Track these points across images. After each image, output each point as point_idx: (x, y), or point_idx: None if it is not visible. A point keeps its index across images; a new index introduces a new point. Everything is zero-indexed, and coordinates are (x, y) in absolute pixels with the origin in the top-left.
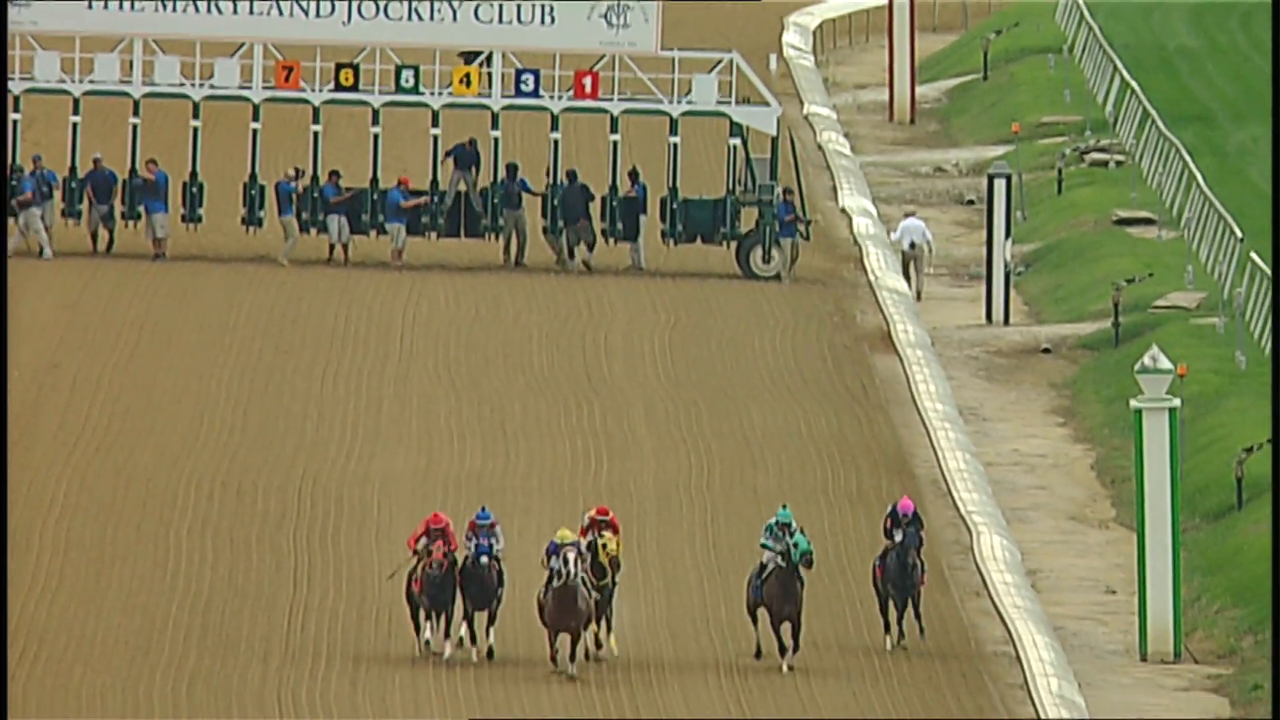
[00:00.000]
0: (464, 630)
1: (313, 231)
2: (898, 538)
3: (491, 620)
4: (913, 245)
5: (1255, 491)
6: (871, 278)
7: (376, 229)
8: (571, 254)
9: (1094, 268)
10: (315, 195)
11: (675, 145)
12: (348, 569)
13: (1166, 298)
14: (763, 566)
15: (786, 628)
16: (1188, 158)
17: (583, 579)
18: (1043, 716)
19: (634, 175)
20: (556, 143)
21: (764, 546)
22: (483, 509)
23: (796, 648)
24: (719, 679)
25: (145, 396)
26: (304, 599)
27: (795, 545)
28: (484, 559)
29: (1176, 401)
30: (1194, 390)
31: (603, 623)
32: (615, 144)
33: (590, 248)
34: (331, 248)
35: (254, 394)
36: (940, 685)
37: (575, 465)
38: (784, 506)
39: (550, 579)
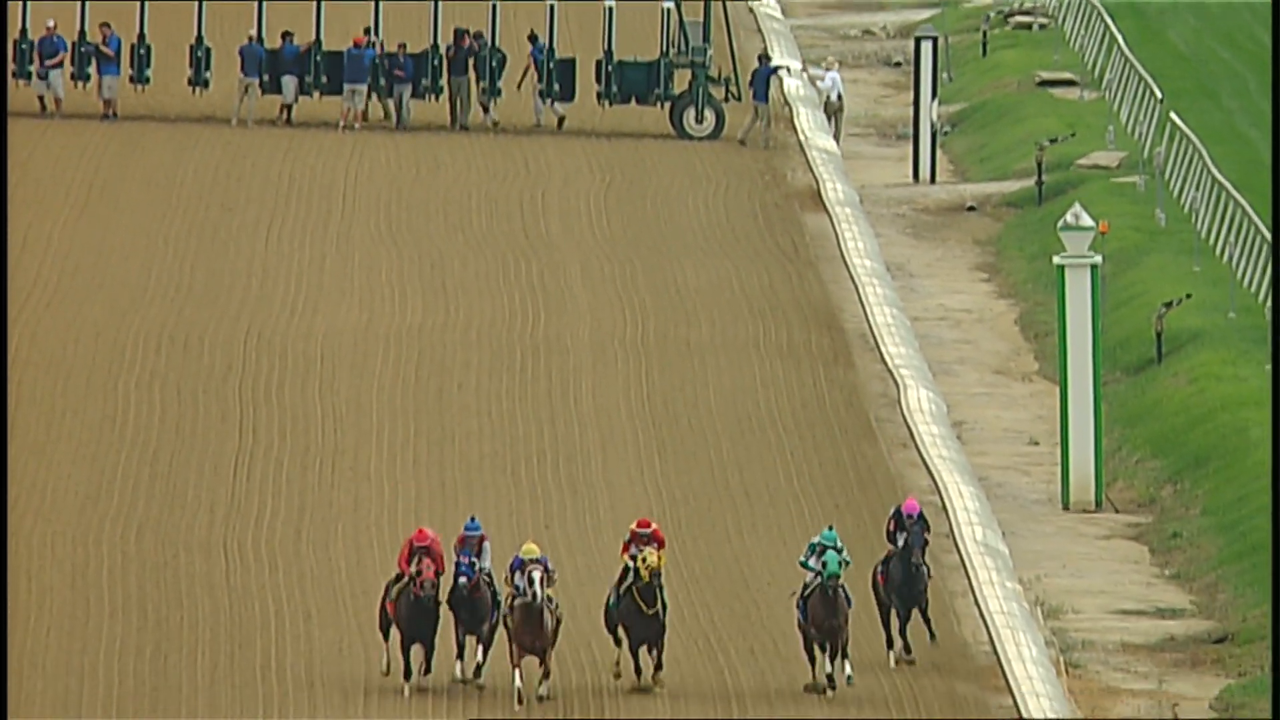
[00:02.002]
0: (458, 669)
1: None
2: (900, 542)
3: (486, 646)
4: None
5: (1174, 345)
6: (801, 138)
7: (331, 91)
8: (538, 111)
9: (1018, 128)
10: (273, 54)
11: (611, 9)
12: (292, 421)
13: (1088, 157)
14: (805, 586)
15: (830, 645)
16: (1109, 20)
17: (548, 598)
18: (966, 564)
19: (533, 39)
20: (495, 8)
21: (803, 565)
22: (471, 519)
23: (845, 658)
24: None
25: (94, 253)
26: (249, 450)
27: (825, 565)
28: (463, 580)
29: (1098, 258)
30: (1115, 247)
31: (654, 653)
32: (552, 8)
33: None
34: (283, 108)
35: (200, 251)
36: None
37: (513, 320)
38: (830, 528)
39: (514, 598)
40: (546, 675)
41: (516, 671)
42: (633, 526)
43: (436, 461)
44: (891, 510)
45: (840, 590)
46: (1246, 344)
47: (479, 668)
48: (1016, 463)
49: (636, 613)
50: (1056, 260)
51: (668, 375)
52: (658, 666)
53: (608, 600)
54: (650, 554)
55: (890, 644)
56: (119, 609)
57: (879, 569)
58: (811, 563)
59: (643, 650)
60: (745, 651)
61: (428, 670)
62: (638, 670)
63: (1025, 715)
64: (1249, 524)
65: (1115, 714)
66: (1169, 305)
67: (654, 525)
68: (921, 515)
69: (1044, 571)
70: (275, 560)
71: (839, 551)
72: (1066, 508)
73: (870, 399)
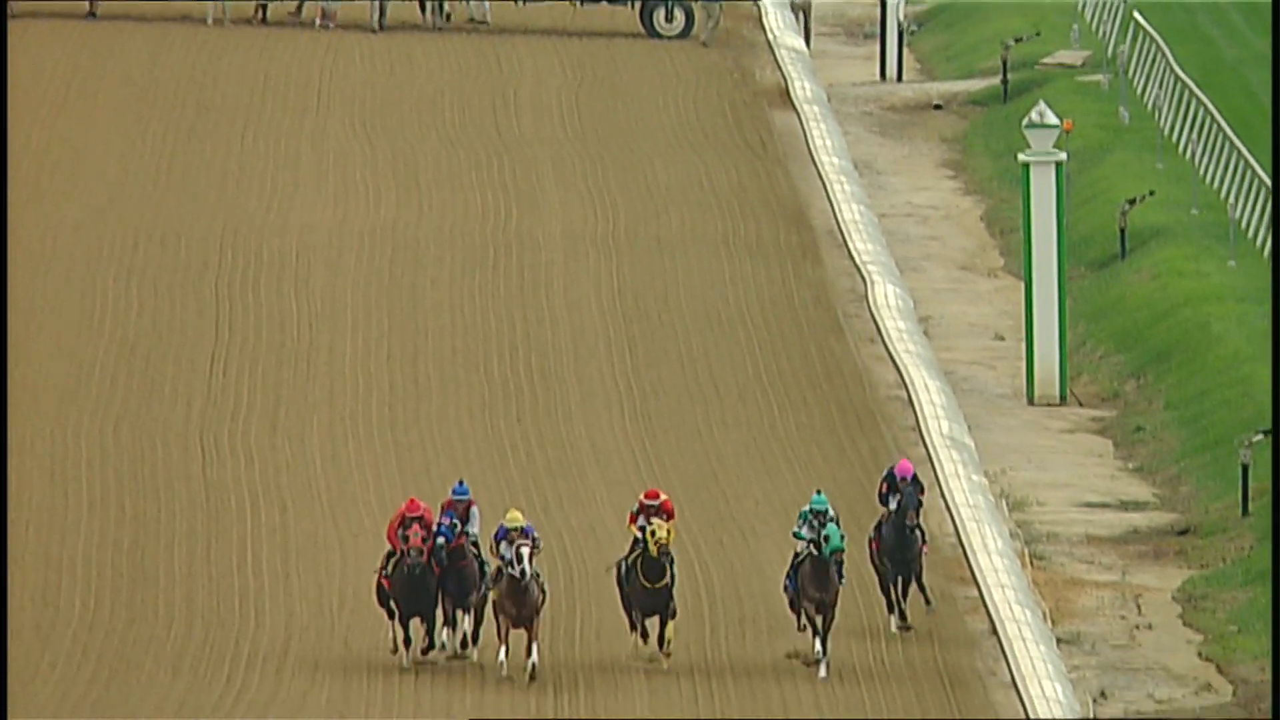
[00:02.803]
0: (446, 635)
1: None
2: (893, 505)
3: (477, 619)
4: None
5: (1138, 242)
6: (770, 36)
7: None
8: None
9: (983, 27)
10: None
11: None
12: (267, 316)
13: (1053, 56)
14: (796, 555)
15: (819, 619)
16: None
17: (536, 574)
18: (933, 457)
19: None
20: None
21: (796, 536)
22: (460, 483)
23: (826, 646)
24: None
25: (72, 151)
26: (225, 345)
27: (827, 539)
28: (441, 541)
29: (1062, 155)
30: (1079, 144)
31: (668, 625)
32: None
33: None
34: (258, 8)
35: (177, 149)
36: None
37: (485, 217)
38: (818, 492)
39: (500, 570)
40: (532, 649)
41: (503, 648)
42: (640, 497)
43: (410, 356)
44: (884, 472)
45: (838, 567)
46: (1209, 240)
47: (466, 640)
48: (982, 357)
49: (642, 587)
50: (1022, 158)
51: (638, 271)
52: (660, 641)
53: (618, 573)
54: (660, 527)
55: (891, 609)
56: (97, 502)
57: (871, 535)
58: (804, 532)
59: (653, 620)
60: (715, 543)
61: (430, 645)
62: (644, 636)
63: (990, 607)
64: (1211, 418)
65: (1079, 605)
66: (1132, 202)
67: (663, 496)
68: (915, 477)
69: (1009, 465)
70: (251, 453)
71: (836, 522)
72: (1031, 402)
73: (838, 294)
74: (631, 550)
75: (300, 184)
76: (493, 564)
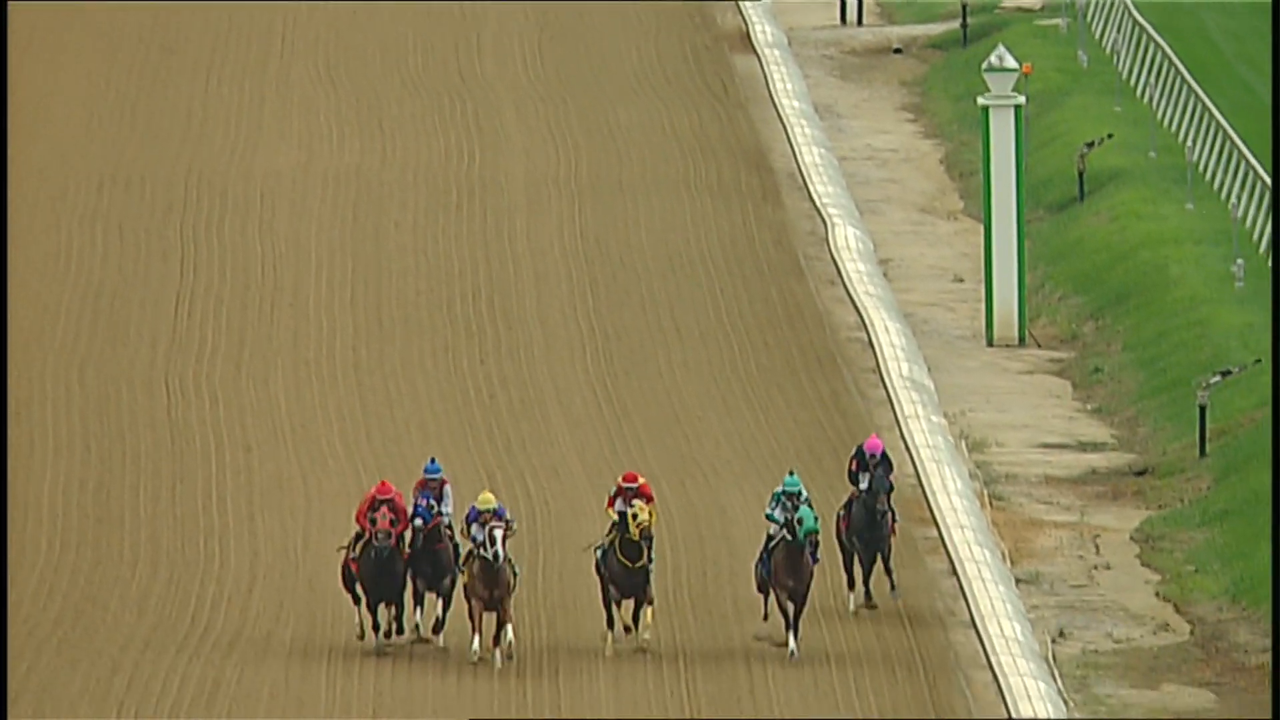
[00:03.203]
0: (419, 616)
1: None
2: (863, 484)
3: (446, 602)
4: None
5: (1096, 185)
6: None
7: None
8: None
9: None
10: None
11: None
12: (232, 259)
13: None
14: (769, 539)
15: (791, 607)
16: None
17: (509, 557)
18: (893, 398)
19: None
20: None
21: (769, 518)
22: (431, 461)
23: (797, 631)
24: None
25: (36, 94)
26: (190, 288)
27: (800, 521)
28: (419, 522)
29: (1021, 99)
30: (1038, 88)
31: (645, 610)
32: None
33: None
34: None
35: (141, 92)
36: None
37: (449, 160)
38: (791, 473)
39: (471, 553)
40: (506, 630)
41: (476, 637)
42: (619, 481)
43: (374, 298)
44: (854, 450)
45: (812, 548)
46: (1166, 183)
47: (439, 624)
48: (941, 299)
49: (621, 567)
50: (981, 101)
51: (600, 214)
52: (635, 624)
53: (597, 558)
54: (642, 511)
55: (851, 585)
56: (63, 444)
57: (840, 513)
58: (777, 514)
59: (628, 604)
60: (677, 484)
61: (399, 630)
62: (610, 624)
63: (949, 547)
64: (1169, 359)
65: (1038, 545)
66: (1091, 145)
67: (641, 480)
68: (885, 455)
69: (968, 406)
70: (216, 395)
71: (809, 503)
72: (990, 343)
73: (799, 237)
74: (609, 533)
75: (264, 128)
76: (465, 546)
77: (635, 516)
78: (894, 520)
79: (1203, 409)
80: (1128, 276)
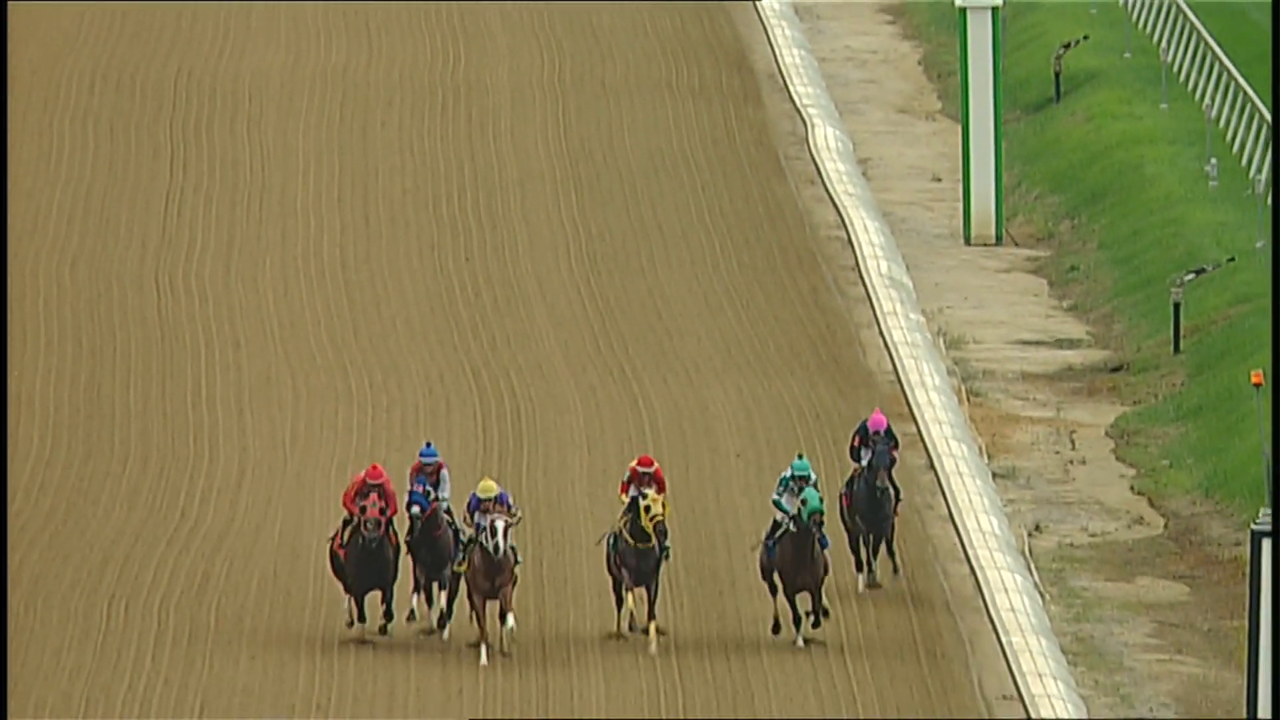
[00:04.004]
0: (415, 602)
1: None
2: (865, 460)
3: (451, 594)
4: None
5: (1072, 85)
6: None
7: None
8: None
9: None
10: None
11: None
12: (220, 159)
13: None
14: (776, 525)
15: (804, 598)
16: None
17: (512, 548)
18: (872, 296)
19: None
20: None
21: (776, 504)
22: (427, 445)
23: (816, 620)
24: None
25: None
26: (179, 186)
27: (804, 502)
28: (415, 510)
29: (998, 1)
30: None
31: (654, 596)
32: None
33: None
34: None
35: None
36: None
37: (434, 61)
38: (800, 456)
39: (472, 539)
40: (508, 617)
41: (479, 625)
42: (633, 464)
43: (360, 197)
44: (857, 425)
45: (819, 534)
46: (1142, 84)
47: (443, 616)
48: (920, 198)
49: (632, 549)
50: (959, 3)
51: (584, 114)
52: (650, 614)
53: (607, 543)
54: (655, 503)
55: (860, 568)
56: (54, 340)
57: (843, 490)
58: (785, 502)
59: (640, 592)
60: (659, 380)
61: (388, 617)
62: (620, 605)
63: (928, 442)
64: (1144, 257)
65: (1015, 440)
66: (1067, 46)
67: (655, 465)
68: (888, 430)
69: (946, 303)
70: (205, 292)
71: (816, 485)
72: (968, 242)
73: (779, 137)
74: (622, 517)
75: (253, 28)
76: (466, 532)
77: (648, 509)
78: (898, 499)
79: (1177, 306)
80: (1103, 176)
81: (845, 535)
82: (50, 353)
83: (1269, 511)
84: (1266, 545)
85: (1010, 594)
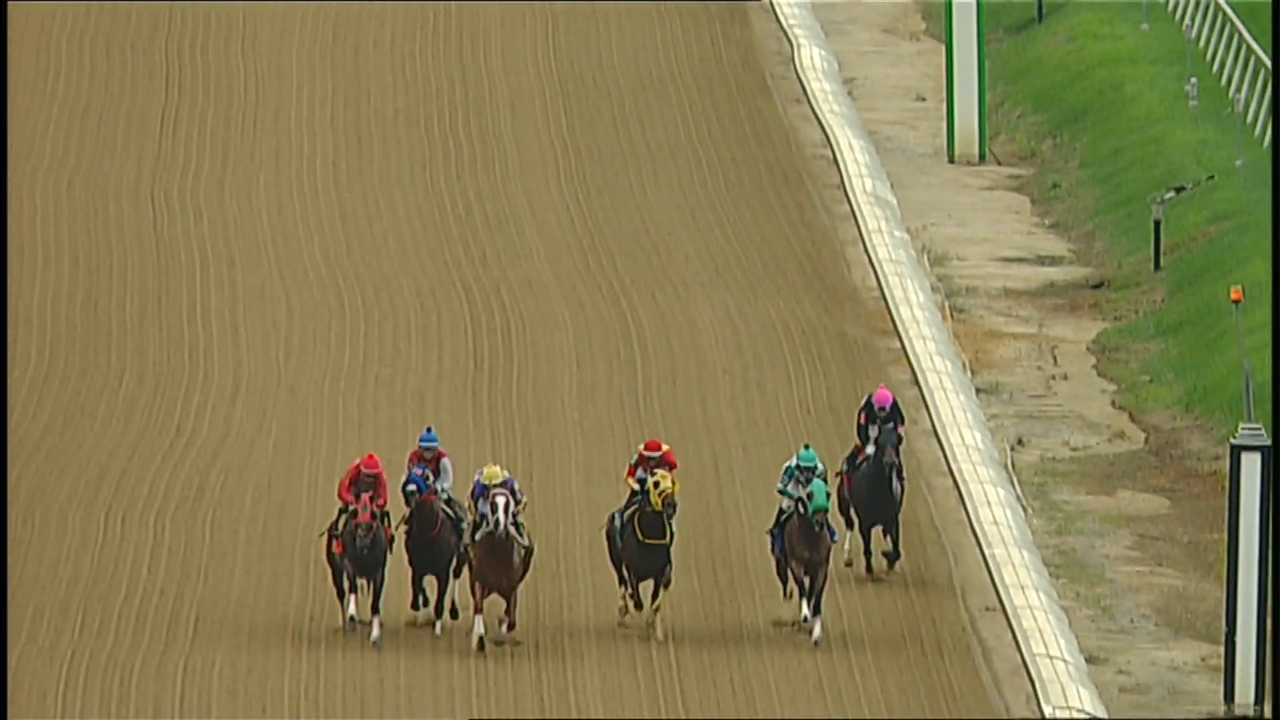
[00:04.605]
0: (428, 591)
1: None
2: (873, 434)
3: (446, 588)
4: None
5: (1054, 6)
6: None
7: None
8: None
9: None
10: None
11: None
12: (215, 78)
13: None
14: (781, 513)
15: (808, 580)
16: None
17: (517, 526)
18: (857, 214)
19: None
20: None
21: (782, 493)
22: (428, 430)
23: (817, 610)
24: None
25: None
26: (175, 105)
27: (810, 496)
28: (412, 489)
29: None
30: None
31: (661, 591)
32: None
33: None
34: None
35: None
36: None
37: None
38: (806, 447)
39: (475, 527)
40: (512, 625)
41: (479, 618)
42: (640, 449)
43: (353, 116)
44: (863, 401)
45: (825, 524)
46: (1122, 4)
47: (449, 612)
48: (904, 117)
49: (638, 544)
50: None
51: (572, 34)
52: (654, 600)
53: (610, 527)
54: (664, 479)
55: (867, 551)
56: (51, 257)
57: (844, 467)
58: (791, 489)
59: (646, 585)
60: (647, 297)
61: (375, 609)
62: (639, 605)
63: (911, 358)
64: (1124, 175)
65: (997, 356)
66: None
67: (665, 447)
68: (895, 406)
69: (930, 221)
70: (200, 209)
71: (823, 478)
72: (952, 160)
73: (765, 57)
74: (628, 504)
75: None
76: (470, 517)
77: (658, 485)
78: (903, 481)
79: (1157, 224)
80: (1084, 95)
81: (840, 513)
82: (48, 269)
83: (1248, 426)
84: (1245, 459)
85: (993, 507)
